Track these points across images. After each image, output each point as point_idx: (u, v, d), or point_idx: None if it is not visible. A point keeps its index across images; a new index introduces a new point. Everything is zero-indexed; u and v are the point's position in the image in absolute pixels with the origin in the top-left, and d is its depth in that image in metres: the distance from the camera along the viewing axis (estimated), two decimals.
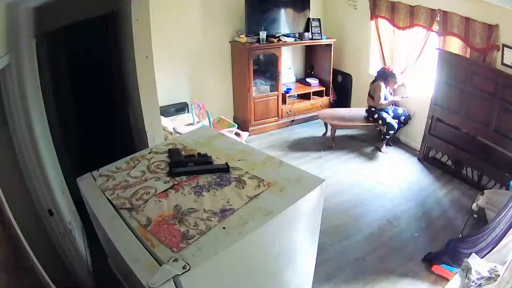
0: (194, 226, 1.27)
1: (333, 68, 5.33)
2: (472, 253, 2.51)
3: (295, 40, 5.03)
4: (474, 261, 2.43)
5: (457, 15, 3.67)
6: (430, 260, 2.76)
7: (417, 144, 4.54)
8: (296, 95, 5.37)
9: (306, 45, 5.44)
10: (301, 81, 5.58)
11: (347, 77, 5.53)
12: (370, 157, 4.51)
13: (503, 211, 2.45)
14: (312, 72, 5.65)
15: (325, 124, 4.97)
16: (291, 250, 1.59)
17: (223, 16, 4.67)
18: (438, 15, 3.87)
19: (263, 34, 4.62)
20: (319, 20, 5.12)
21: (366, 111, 4.61)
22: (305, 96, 5.39)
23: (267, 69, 5.09)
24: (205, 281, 1.18)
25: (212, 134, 2.04)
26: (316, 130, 5.21)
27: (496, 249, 2.44)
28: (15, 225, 1.46)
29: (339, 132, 4.77)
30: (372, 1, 4.66)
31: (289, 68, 5.51)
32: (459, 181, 3.93)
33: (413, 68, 4.50)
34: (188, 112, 4.58)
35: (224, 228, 1.28)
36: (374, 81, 4.51)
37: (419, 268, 2.75)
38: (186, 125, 3.94)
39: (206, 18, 4.55)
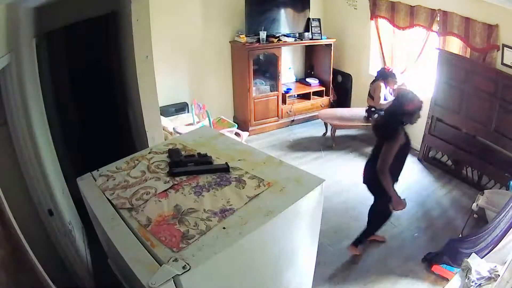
0: (194, 226, 1.27)
1: (333, 68, 5.34)
2: (472, 253, 2.51)
3: (295, 40, 5.03)
4: (474, 261, 2.43)
5: (457, 15, 3.67)
6: (430, 260, 2.76)
7: (417, 144, 4.53)
8: (296, 95, 5.37)
9: (306, 45, 5.44)
10: (301, 81, 5.59)
11: (347, 77, 5.53)
12: None
13: (503, 211, 2.45)
14: (312, 72, 5.65)
15: (325, 124, 4.97)
16: (291, 250, 1.59)
17: (223, 16, 4.67)
18: (438, 15, 3.87)
19: (263, 34, 4.62)
20: (319, 20, 5.12)
21: (366, 111, 4.61)
22: (305, 96, 5.39)
23: (267, 69, 5.09)
24: (205, 281, 1.18)
25: (212, 134, 2.04)
26: (316, 130, 5.20)
27: (496, 249, 2.44)
28: (15, 225, 1.46)
29: (339, 132, 4.77)
30: (372, 1, 4.66)
31: (289, 68, 5.51)
32: (459, 181, 3.93)
33: (413, 68, 4.50)
34: (188, 112, 4.58)
35: (224, 228, 1.28)
36: (374, 81, 4.51)
37: (419, 268, 2.75)
38: (186, 125, 3.94)
39: (206, 18, 4.55)
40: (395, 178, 2.53)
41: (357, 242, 2.85)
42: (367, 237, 2.88)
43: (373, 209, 2.83)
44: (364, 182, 2.74)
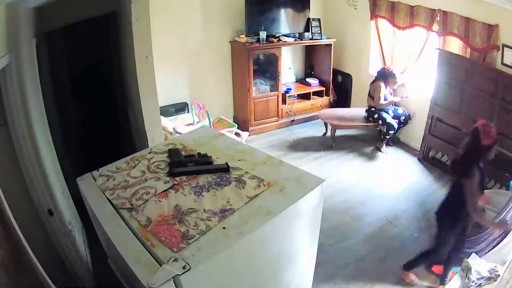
0: (194, 226, 1.27)
1: (333, 68, 5.34)
2: (472, 253, 2.50)
3: (295, 40, 5.03)
4: (474, 261, 2.42)
5: (457, 15, 3.67)
6: None
7: (417, 144, 4.54)
8: (296, 95, 5.37)
9: (306, 45, 5.43)
10: (301, 81, 5.59)
11: (347, 77, 5.53)
12: (370, 157, 4.51)
13: (503, 211, 2.45)
14: (312, 72, 5.65)
15: (325, 124, 4.97)
16: (291, 250, 1.59)
17: (223, 16, 4.67)
18: (438, 15, 3.87)
19: (263, 34, 4.62)
20: (319, 20, 5.12)
21: (366, 111, 4.61)
22: (305, 96, 5.39)
23: (267, 69, 5.09)
24: (205, 281, 1.18)
25: (212, 134, 2.04)
26: (316, 130, 5.20)
27: (496, 249, 2.44)
28: (15, 225, 1.46)
29: (339, 132, 4.77)
30: (372, 1, 4.66)
31: (289, 68, 5.51)
32: None
33: (413, 68, 4.50)
34: (188, 112, 4.58)
35: (224, 228, 1.28)
36: (374, 81, 4.51)
37: (419, 268, 2.74)
38: (186, 125, 3.94)
39: (206, 18, 4.55)
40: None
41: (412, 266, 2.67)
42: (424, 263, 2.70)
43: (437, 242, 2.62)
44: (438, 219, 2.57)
